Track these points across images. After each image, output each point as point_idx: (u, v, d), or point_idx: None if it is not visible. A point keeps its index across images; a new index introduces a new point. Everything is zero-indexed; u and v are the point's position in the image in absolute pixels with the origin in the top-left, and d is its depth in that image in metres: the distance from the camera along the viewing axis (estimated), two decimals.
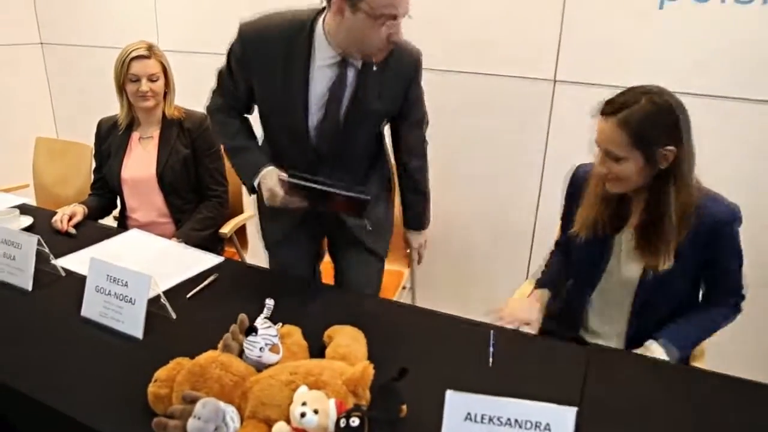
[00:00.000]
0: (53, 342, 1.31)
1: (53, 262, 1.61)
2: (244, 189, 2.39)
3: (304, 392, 0.99)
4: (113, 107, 2.14)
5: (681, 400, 1.17)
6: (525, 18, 2.24)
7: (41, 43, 3.67)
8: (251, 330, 1.12)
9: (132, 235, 1.93)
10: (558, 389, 1.15)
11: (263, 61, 1.51)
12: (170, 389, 1.05)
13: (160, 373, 1.09)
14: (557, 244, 1.69)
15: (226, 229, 2.23)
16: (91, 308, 1.39)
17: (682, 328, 1.41)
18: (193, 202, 2.15)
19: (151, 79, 2.00)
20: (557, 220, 1.66)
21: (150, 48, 2.00)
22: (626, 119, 1.28)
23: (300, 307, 1.43)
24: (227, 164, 2.22)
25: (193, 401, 0.98)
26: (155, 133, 2.09)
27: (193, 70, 2.33)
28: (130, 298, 1.34)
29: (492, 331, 1.34)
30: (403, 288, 2.41)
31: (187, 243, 1.91)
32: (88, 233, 1.92)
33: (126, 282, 1.35)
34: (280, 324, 1.22)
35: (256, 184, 1.56)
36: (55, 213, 1.99)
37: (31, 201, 2.36)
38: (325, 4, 1.46)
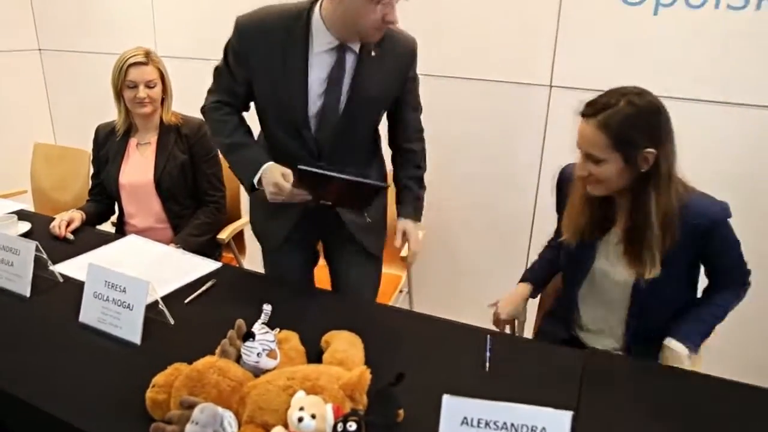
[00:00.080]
0: (51, 348, 1.31)
1: (51, 268, 1.61)
2: (242, 194, 2.44)
3: (301, 397, 0.99)
4: (111, 113, 2.14)
5: (677, 404, 1.17)
6: (521, 25, 2.25)
7: (39, 50, 3.68)
8: (249, 335, 1.12)
9: (130, 240, 1.94)
10: (554, 393, 1.16)
11: (262, 51, 1.52)
12: (168, 395, 1.06)
13: (158, 378, 1.09)
14: (550, 241, 1.70)
15: (224, 234, 2.24)
16: (89, 314, 1.39)
17: (695, 319, 1.42)
18: (191, 207, 2.15)
19: (149, 85, 2.00)
20: (554, 224, 1.67)
21: (147, 54, 2.01)
22: (606, 121, 1.27)
23: (297, 312, 1.44)
24: (225, 170, 2.23)
25: (191, 406, 0.98)
26: (153, 139, 2.10)
27: (190, 76, 2.34)
28: (128, 304, 1.34)
29: (488, 336, 1.35)
30: (400, 291, 2.42)
31: (185, 248, 1.92)
32: (86, 239, 1.93)
33: (124, 288, 1.35)
34: (278, 329, 1.23)
35: (256, 180, 1.53)
36: (53, 219, 1.99)
37: (29, 207, 2.36)
38: None
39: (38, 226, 2.00)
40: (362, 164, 1.70)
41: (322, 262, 1.93)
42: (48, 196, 2.74)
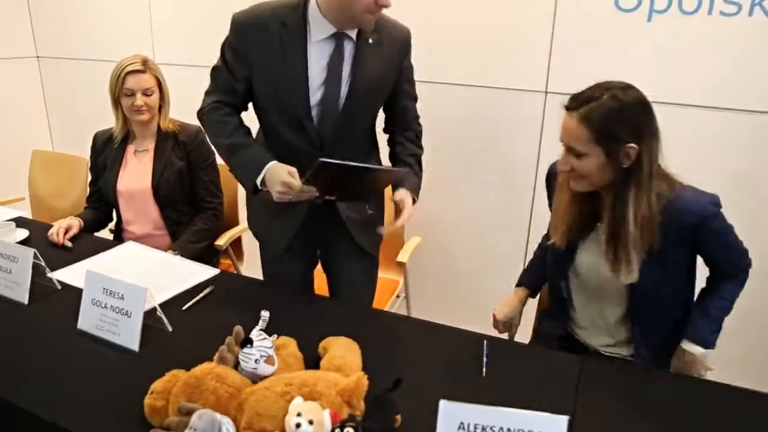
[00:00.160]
0: (50, 355, 1.31)
1: (49, 275, 1.61)
2: (240, 201, 2.44)
3: (299, 403, 0.99)
4: (109, 120, 2.15)
5: (675, 408, 1.18)
6: (517, 32, 2.27)
7: (37, 57, 3.69)
8: (246, 342, 1.13)
9: (128, 247, 1.94)
10: (551, 398, 1.16)
11: (260, 45, 1.52)
12: (166, 401, 1.06)
13: (156, 385, 1.09)
14: (542, 240, 1.70)
15: (222, 241, 2.24)
16: (88, 321, 1.39)
17: (705, 317, 1.41)
18: (189, 214, 2.16)
19: (146, 93, 2.01)
20: None
21: (145, 62, 2.02)
22: (588, 114, 1.26)
23: (295, 318, 1.44)
24: (222, 176, 2.24)
25: (189, 413, 0.99)
26: (150, 146, 2.11)
27: (188, 83, 2.34)
28: (126, 311, 1.35)
29: (485, 341, 1.35)
30: (398, 296, 2.43)
31: (183, 255, 1.92)
32: (84, 246, 1.93)
33: (122, 295, 1.36)
34: (276, 336, 1.23)
35: (259, 180, 1.51)
36: (50, 226, 1.99)
37: (27, 214, 2.36)
38: None
39: (36, 234, 2.00)
40: (363, 154, 1.70)
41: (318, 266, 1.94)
42: (46, 203, 2.74)
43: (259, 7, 1.56)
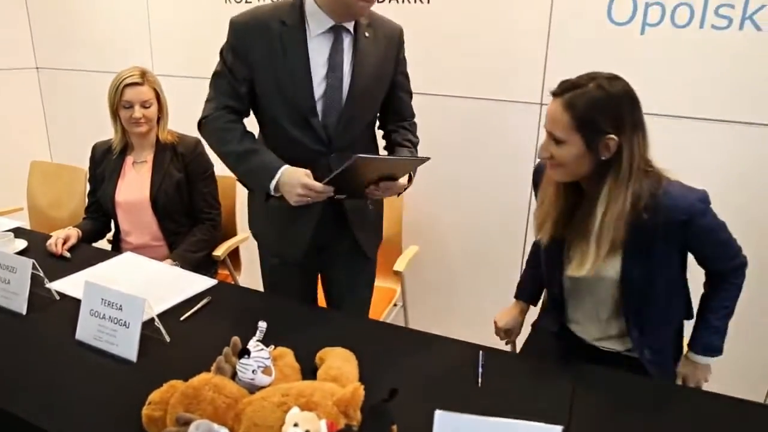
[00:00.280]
0: (48, 365, 1.32)
1: (48, 285, 1.62)
2: (238, 211, 2.45)
3: (295, 413, 1.00)
4: (107, 131, 2.17)
5: (670, 418, 1.19)
6: (512, 44, 2.30)
7: (37, 68, 3.71)
8: (244, 352, 1.13)
9: (126, 257, 1.95)
10: (546, 408, 1.17)
11: (260, 44, 1.54)
12: (164, 411, 1.06)
13: (154, 395, 1.10)
14: (532, 248, 1.71)
15: (220, 251, 2.25)
16: (86, 332, 1.40)
17: (706, 328, 1.42)
18: (187, 225, 2.17)
19: (144, 105, 2.03)
20: None
21: (143, 75, 2.04)
22: (572, 101, 1.26)
23: (292, 328, 1.45)
24: (220, 187, 2.25)
25: (186, 423, 0.99)
26: (149, 157, 2.12)
27: (186, 94, 2.36)
28: (125, 322, 1.35)
29: (481, 352, 1.36)
30: (395, 305, 2.44)
31: (182, 264, 1.93)
32: (83, 256, 1.94)
33: (120, 306, 1.37)
34: (273, 346, 1.24)
35: (273, 186, 1.50)
36: (49, 236, 2.00)
37: (26, 224, 2.37)
38: None
39: (34, 244, 2.01)
40: (367, 149, 1.71)
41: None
42: (44, 213, 2.75)
43: (257, 10, 1.59)
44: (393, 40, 1.68)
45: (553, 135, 1.30)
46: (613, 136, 1.25)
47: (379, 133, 1.82)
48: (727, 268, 1.40)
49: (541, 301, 1.75)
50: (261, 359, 1.13)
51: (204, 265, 2.12)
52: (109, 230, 2.27)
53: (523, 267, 1.80)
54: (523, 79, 2.31)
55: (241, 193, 2.31)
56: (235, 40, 1.56)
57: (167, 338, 1.41)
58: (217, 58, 1.62)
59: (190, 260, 2.02)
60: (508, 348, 1.75)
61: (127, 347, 1.33)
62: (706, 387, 1.48)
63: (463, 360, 1.35)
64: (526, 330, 1.73)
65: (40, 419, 1.13)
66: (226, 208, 2.35)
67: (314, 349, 1.30)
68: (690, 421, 1.18)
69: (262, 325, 1.22)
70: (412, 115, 1.82)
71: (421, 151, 1.80)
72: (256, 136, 1.69)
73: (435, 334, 1.48)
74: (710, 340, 1.42)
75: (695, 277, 1.48)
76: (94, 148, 2.22)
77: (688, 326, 1.51)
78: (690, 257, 1.43)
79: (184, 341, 1.42)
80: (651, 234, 1.31)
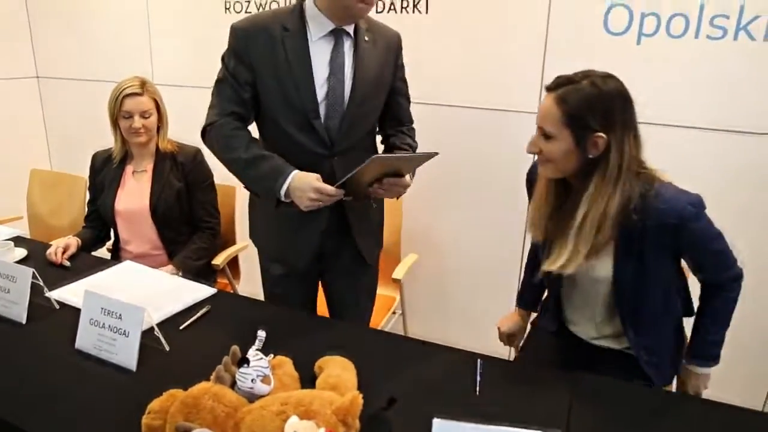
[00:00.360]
0: (48, 374, 1.32)
1: (48, 294, 1.62)
2: (237, 220, 2.46)
3: (294, 422, 1.00)
4: (107, 140, 2.18)
5: (668, 426, 1.19)
6: (510, 54, 2.32)
7: (37, 77, 3.73)
8: (243, 361, 1.14)
9: (125, 266, 1.95)
10: (544, 416, 1.18)
11: (262, 47, 1.55)
12: (164, 420, 1.07)
13: (154, 404, 1.10)
14: (529, 255, 1.72)
15: (219, 260, 2.26)
16: (85, 341, 1.40)
17: (704, 342, 1.42)
18: (186, 234, 2.18)
19: (144, 115, 2.04)
20: None
21: (143, 85, 2.05)
22: (564, 96, 1.26)
23: (291, 337, 1.45)
24: (219, 196, 2.26)
25: None
26: (149, 166, 2.13)
27: (187, 103, 2.38)
28: (124, 331, 1.36)
29: (479, 360, 1.37)
30: (393, 313, 2.44)
31: (183, 269, 1.95)
32: (82, 265, 1.94)
33: (120, 315, 1.37)
34: (272, 355, 1.25)
35: (284, 191, 1.49)
36: (49, 245, 2.00)
37: (25, 233, 2.38)
38: None
39: (34, 253, 2.01)
40: (368, 153, 1.68)
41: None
42: (44, 222, 2.76)
43: (258, 16, 1.61)
44: (392, 45, 1.70)
45: (543, 130, 1.31)
46: (601, 134, 1.25)
47: (378, 138, 1.84)
48: (721, 279, 1.39)
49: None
50: (260, 368, 1.14)
51: (203, 273, 2.13)
52: (109, 239, 2.27)
53: (521, 274, 1.81)
54: (521, 88, 2.32)
55: (241, 202, 2.32)
56: (236, 45, 1.57)
57: (167, 347, 1.41)
58: (218, 68, 1.63)
59: (191, 267, 2.03)
60: (508, 351, 1.76)
61: (127, 356, 1.34)
62: (705, 394, 1.48)
63: (461, 368, 1.35)
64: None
65: (40, 428, 1.13)
66: (225, 216, 2.36)
67: (313, 357, 1.30)
68: (688, 429, 1.18)
69: (261, 334, 1.22)
70: (411, 121, 1.84)
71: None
72: None
73: (433, 343, 1.48)
74: (707, 351, 1.43)
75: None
76: (94, 157, 2.23)
77: (689, 324, 1.50)
78: None
79: (183, 350, 1.42)
80: (641, 236, 1.30)
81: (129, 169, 2.15)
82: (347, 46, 1.60)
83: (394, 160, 1.53)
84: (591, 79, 1.27)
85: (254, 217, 1.82)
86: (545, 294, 1.69)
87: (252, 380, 1.12)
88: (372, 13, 1.60)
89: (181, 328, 1.53)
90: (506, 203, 2.48)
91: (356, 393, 1.06)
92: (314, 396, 1.08)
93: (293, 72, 1.55)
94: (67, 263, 1.95)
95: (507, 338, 1.69)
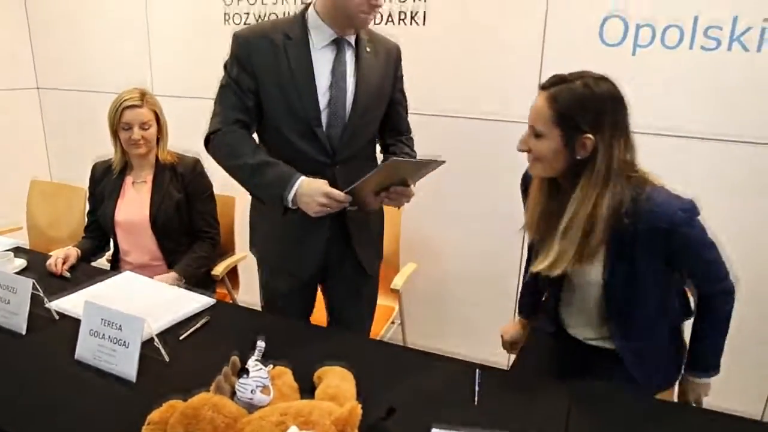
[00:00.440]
0: (47, 385, 1.32)
1: (47, 305, 1.63)
2: (236, 230, 2.47)
3: None
4: (107, 151, 2.19)
5: None
6: (507, 66, 2.34)
7: (38, 88, 3.74)
8: (243, 372, 1.14)
9: (125, 276, 1.95)
10: (542, 425, 1.18)
11: (266, 54, 1.56)
12: (164, 431, 1.07)
13: (154, 415, 1.10)
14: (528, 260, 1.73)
15: (218, 270, 2.26)
16: (85, 351, 1.41)
17: (702, 355, 1.42)
18: (186, 244, 2.18)
19: (143, 127, 2.05)
20: None
21: (143, 97, 2.06)
22: (556, 95, 1.27)
23: (290, 347, 1.45)
24: (219, 206, 2.27)
25: None
26: (149, 177, 2.14)
27: (186, 114, 2.40)
28: (124, 341, 1.36)
29: (477, 370, 1.37)
30: (392, 323, 2.44)
31: (184, 278, 1.97)
32: (82, 275, 1.95)
33: (120, 325, 1.37)
34: (271, 365, 1.25)
35: (291, 197, 1.49)
36: (48, 256, 2.01)
37: (25, 243, 2.38)
38: None
39: (34, 263, 2.02)
40: (369, 163, 1.72)
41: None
42: (44, 232, 2.76)
43: (260, 25, 1.64)
44: (392, 56, 1.73)
45: (534, 128, 1.32)
46: (590, 135, 1.26)
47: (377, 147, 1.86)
48: (713, 291, 1.38)
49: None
50: (260, 378, 1.14)
51: (203, 283, 2.13)
52: (108, 249, 2.28)
53: (519, 284, 1.82)
54: (518, 99, 2.34)
55: (240, 212, 2.33)
56: (239, 52, 1.59)
57: (166, 357, 1.42)
58: (217, 78, 1.64)
59: (192, 276, 2.04)
60: (508, 359, 1.77)
61: (127, 367, 1.34)
62: (703, 401, 1.49)
63: (460, 378, 1.35)
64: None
65: None
66: (225, 226, 2.37)
67: (312, 367, 1.31)
68: None
69: (261, 344, 1.23)
70: (409, 130, 1.86)
71: None
72: None
73: (432, 353, 1.49)
74: (707, 361, 1.43)
75: None
76: (94, 168, 2.24)
77: (688, 325, 1.50)
78: None
79: (183, 360, 1.43)
80: (633, 240, 1.30)
81: (129, 179, 2.16)
82: (349, 55, 1.62)
83: (409, 164, 1.54)
84: (584, 80, 1.27)
85: (257, 226, 1.82)
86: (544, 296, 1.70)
87: (251, 390, 1.12)
88: (370, 25, 1.62)
89: (180, 338, 1.53)
90: (504, 213, 2.48)
91: (355, 403, 1.06)
92: (313, 406, 1.08)
93: (296, 79, 1.57)
94: (67, 274, 1.95)
95: (510, 346, 1.70)
